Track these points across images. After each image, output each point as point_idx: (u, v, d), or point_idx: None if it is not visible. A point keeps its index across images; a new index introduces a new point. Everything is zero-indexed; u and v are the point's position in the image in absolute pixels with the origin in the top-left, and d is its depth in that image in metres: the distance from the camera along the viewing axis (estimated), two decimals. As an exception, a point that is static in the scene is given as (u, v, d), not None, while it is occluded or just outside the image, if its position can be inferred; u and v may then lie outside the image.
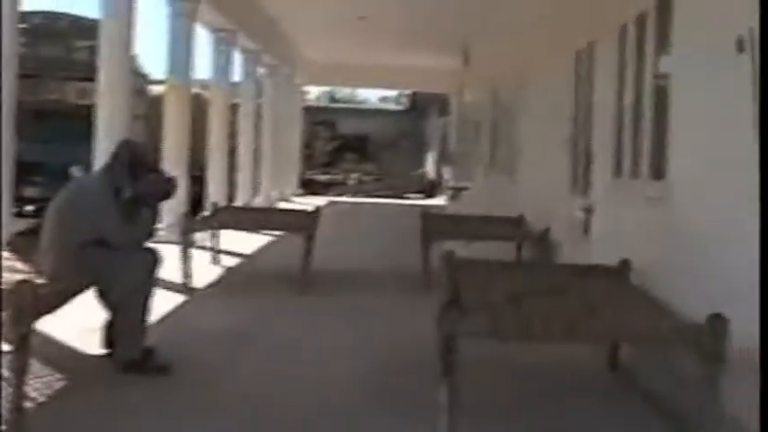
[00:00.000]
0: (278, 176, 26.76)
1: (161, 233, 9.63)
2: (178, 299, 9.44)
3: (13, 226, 10.07)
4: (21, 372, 5.07)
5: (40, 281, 6.10)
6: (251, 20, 19.98)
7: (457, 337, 4.96)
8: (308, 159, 39.70)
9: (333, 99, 55.27)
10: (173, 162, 14.07)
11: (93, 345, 6.90)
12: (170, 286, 9.49)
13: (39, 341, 6.02)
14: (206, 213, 12.94)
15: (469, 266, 7.37)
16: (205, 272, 11.28)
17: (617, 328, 5.43)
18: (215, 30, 18.53)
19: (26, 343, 5.15)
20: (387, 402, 6.15)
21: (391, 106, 50.52)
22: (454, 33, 21.96)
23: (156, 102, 17.82)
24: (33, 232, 7.49)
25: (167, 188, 7.01)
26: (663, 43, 7.95)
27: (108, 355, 6.74)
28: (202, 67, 18.87)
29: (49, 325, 6.42)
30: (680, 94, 7.36)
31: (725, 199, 6.16)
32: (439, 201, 30.97)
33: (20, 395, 5.06)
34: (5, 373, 5.11)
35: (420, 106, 42.77)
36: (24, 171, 13.19)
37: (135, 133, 14.64)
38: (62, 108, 19.16)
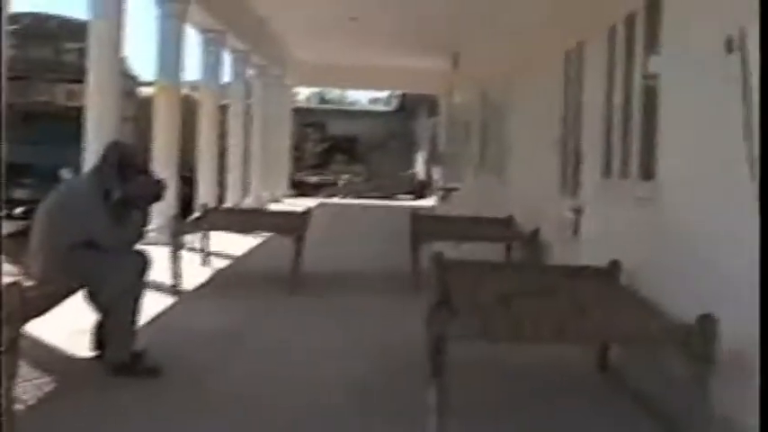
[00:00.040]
0: (268, 178, 26.74)
1: (151, 235, 9.60)
2: (168, 301, 9.43)
3: (2, 228, 10.04)
4: (10, 375, 5.06)
5: (29, 283, 6.09)
6: (240, 20, 19.97)
7: (446, 338, 4.97)
8: (298, 161, 39.68)
9: (323, 100, 55.27)
10: (162, 164, 14.06)
11: (82, 347, 6.89)
12: (160, 288, 9.49)
13: (28, 344, 6.03)
14: (196, 215, 12.92)
15: (459, 267, 7.37)
16: (195, 273, 11.26)
17: (606, 329, 5.44)
18: (204, 30, 18.51)
19: (15, 345, 5.14)
20: (376, 403, 6.15)
21: (381, 107, 50.54)
22: (444, 34, 21.97)
23: (146, 103, 17.78)
24: (23, 234, 7.48)
25: (157, 190, 7.00)
26: (652, 43, 7.96)
27: (98, 357, 6.73)
28: (192, 68, 18.85)
29: (38, 327, 6.41)
30: (669, 95, 7.38)
31: (714, 199, 6.17)
32: (429, 202, 30.99)
33: (9, 398, 5.05)
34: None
35: (409, 107, 42.77)
36: (14, 173, 13.17)
37: (124, 135, 14.62)
38: (51, 110, 19.11)
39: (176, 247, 10.27)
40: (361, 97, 58.16)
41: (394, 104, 45.94)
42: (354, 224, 22.97)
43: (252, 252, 14.46)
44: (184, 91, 17.38)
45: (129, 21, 12.90)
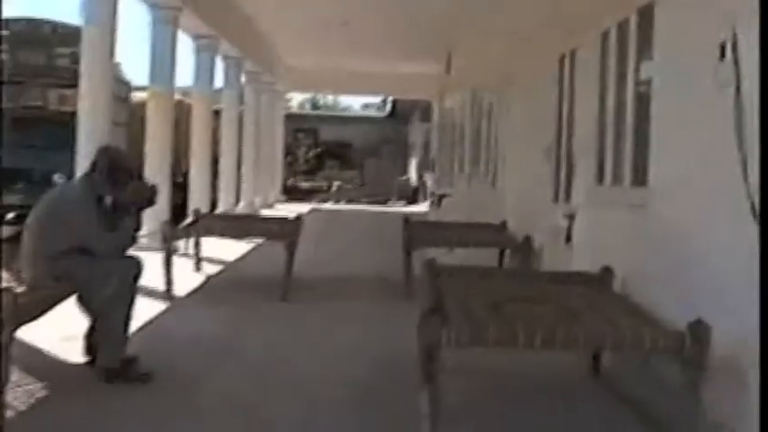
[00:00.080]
0: (260, 183, 26.72)
1: (143, 240, 9.59)
2: (160, 306, 9.41)
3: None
4: (1, 380, 5.05)
5: (20, 289, 6.08)
6: (233, 26, 19.94)
7: (438, 344, 4.97)
8: (291, 166, 39.73)
9: (315, 106, 55.37)
10: (155, 169, 14.04)
11: (74, 353, 6.87)
12: (152, 294, 9.47)
13: (20, 349, 6.00)
14: (188, 221, 12.90)
15: (451, 274, 7.37)
16: (187, 279, 11.24)
17: (599, 336, 5.44)
18: (197, 36, 18.49)
19: (7, 351, 5.13)
20: (369, 410, 6.14)
21: (373, 113, 50.58)
22: (437, 40, 21.94)
23: (139, 109, 17.75)
24: (14, 240, 7.47)
25: (149, 195, 7.00)
26: (644, 49, 7.98)
27: (90, 363, 6.71)
28: (185, 73, 18.80)
29: (30, 333, 6.40)
30: (661, 100, 7.39)
31: (706, 206, 6.18)
32: (421, 207, 30.99)
33: (1, 404, 5.04)
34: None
35: (402, 113, 42.81)
36: (6, 178, 13.14)
37: (117, 140, 14.59)
38: (44, 115, 19.07)
39: (168, 252, 10.24)
40: (353, 103, 58.27)
41: (386, 110, 45.98)
42: (347, 230, 22.96)
43: (244, 258, 14.44)
44: (177, 97, 17.36)
45: (123, 26, 12.89)
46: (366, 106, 56.10)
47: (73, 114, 12.98)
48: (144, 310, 8.01)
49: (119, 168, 6.73)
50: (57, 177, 16.13)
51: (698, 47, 6.35)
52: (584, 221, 9.67)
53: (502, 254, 11.75)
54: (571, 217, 10.04)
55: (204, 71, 19.11)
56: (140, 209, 6.97)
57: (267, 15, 20.75)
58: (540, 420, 6.10)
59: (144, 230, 8.13)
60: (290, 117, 38.30)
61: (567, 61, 11.06)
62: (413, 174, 41.33)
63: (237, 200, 23.18)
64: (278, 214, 21.47)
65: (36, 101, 19.30)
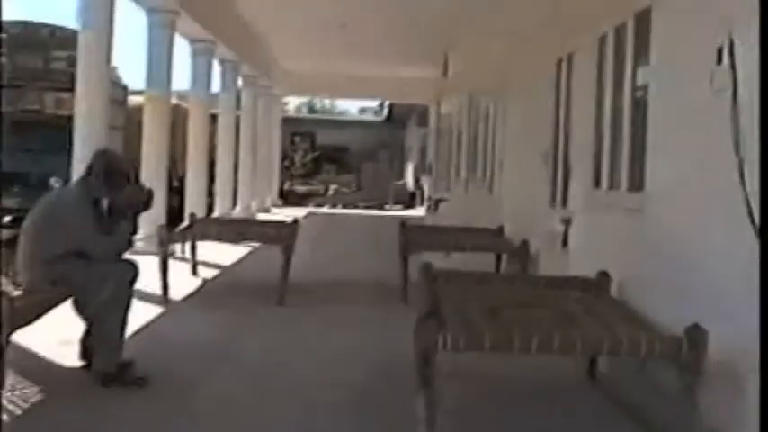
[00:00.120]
0: (257, 188, 26.73)
1: (139, 244, 9.58)
2: (156, 310, 9.40)
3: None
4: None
5: (16, 292, 6.07)
6: (229, 30, 19.95)
7: (435, 348, 4.96)
8: (287, 170, 39.71)
9: (312, 110, 55.36)
10: (151, 173, 14.03)
11: (70, 357, 6.86)
12: (148, 298, 9.46)
13: (15, 353, 6.00)
14: (184, 225, 12.90)
15: (448, 278, 7.37)
16: (183, 283, 11.23)
17: (595, 341, 5.43)
18: (194, 40, 18.49)
19: (2, 355, 5.13)
20: (365, 414, 6.15)
21: (370, 117, 50.60)
22: (434, 43, 21.95)
23: (136, 113, 17.75)
24: (11, 243, 7.46)
25: (145, 199, 7.00)
26: (641, 54, 7.98)
27: (86, 367, 6.70)
28: (182, 77, 18.83)
29: (26, 337, 6.40)
30: (658, 105, 7.39)
31: (703, 210, 6.17)
32: (418, 212, 30.99)
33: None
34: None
35: (399, 117, 42.81)
36: (3, 181, 13.13)
37: (114, 144, 14.57)
38: (40, 118, 19.06)
39: (165, 256, 10.24)
40: (350, 107, 58.30)
41: (383, 114, 45.98)
42: (343, 234, 22.96)
43: (240, 262, 14.44)
44: (174, 101, 17.36)
45: (120, 30, 12.89)
46: (363, 110, 56.15)
47: (69, 118, 12.98)
48: (140, 314, 8.00)
49: (115, 172, 6.73)
50: (53, 181, 16.13)
51: (695, 51, 6.35)
52: (581, 226, 9.67)
53: (499, 258, 11.75)
54: (568, 222, 10.04)
55: (201, 75, 19.12)
56: (136, 213, 6.98)
57: (264, 18, 20.77)
58: (537, 425, 6.10)
59: (140, 234, 8.14)
60: (287, 121, 38.30)
61: (564, 66, 11.06)
62: (410, 178, 41.33)
63: (234, 204, 23.18)
64: (274, 218, 21.45)
65: (33, 104, 19.29)
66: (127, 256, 6.86)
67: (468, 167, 20.32)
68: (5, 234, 12.46)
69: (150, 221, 11.58)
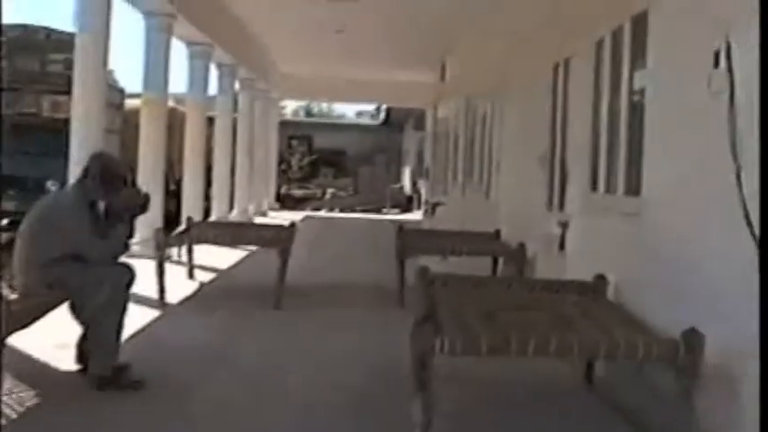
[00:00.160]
0: (254, 191, 26.72)
1: (135, 248, 9.58)
2: (153, 314, 9.40)
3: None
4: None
5: (12, 296, 6.06)
6: (227, 33, 19.96)
7: (431, 352, 4.96)
8: (284, 174, 39.74)
9: (309, 113, 55.38)
10: (148, 176, 14.03)
11: (66, 360, 6.85)
12: (145, 301, 9.45)
13: (12, 357, 5.99)
14: (181, 228, 12.89)
15: (445, 282, 7.37)
16: (180, 287, 11.23)
17: (592, 344, 5.43)
18: (191, 44, 18.49)
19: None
20: (361, 418, 6.14)
21: (367, 121, 50.63)
22: (431, 48, 22.01)
23: (133, 116, 17.74)
24: (7, 246, 7.46)
25: (142, 203, 6.98)
26: (638, 58, 7.97)
27: (82, 370, 6.69)
28: (179, 81, 18.79)
29: (22, 340, 6.39)
30: (655, 108, 7.38)
31: (700, 214, 6.17)
32: (415, 215, 31.00)
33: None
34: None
35: (396, 121, 42.84)
36: (1, 184, 13.11)
37: (110, 147, 14.57)
38: (37, 121, 19.04)
39: (161, 260, 10.22)
40: (347, 110, 58.32)
41: (381, 118, 46.01)
42: (340, 238, 22.96)
43: (237, 265, 14.44)
44: (170, 104, 17.35)
45: (117, 33, 12.89)
46: (360, 114, 56.17)
47: (66, 121, 12.97)
48: (136, 318, 8.00)
49: (111, 175, 6.72)
50: (50, 184, 16.12)
51: (692, 55, 6.35)
52: (578, 229, 9.66)
53: (495, 262, 11.75)
54: (565, 225, 10.03)
55: (198, 78, 19.12)
56: (133, 216, 6.96)
57: (261, 22, 20.81)
58: (534, 429, 6.10)
59: (137, 238, 8.13)
60: (284, 124, 38.34)
61: (561, 69, 11.06)
62: (407, 182, 41.35)
63: (231, 207, 23.17)
64: (272, 222, 21.44)
65: (30, 108, 19.27)
66: (123, 259, 6.85)
67: (465, 171, 20.31)
68: (2, 237, 12.45)
69: (147, 225, 11.57)
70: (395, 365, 6.57)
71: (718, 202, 5.60)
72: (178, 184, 19.62)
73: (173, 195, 18.73)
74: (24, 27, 19.69)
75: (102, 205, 6.64)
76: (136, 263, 6.93)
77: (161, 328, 8.97)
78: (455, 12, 16.91)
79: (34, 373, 6.68)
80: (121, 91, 21.43)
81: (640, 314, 6.19)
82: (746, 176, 5.12)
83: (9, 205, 16.03)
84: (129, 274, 6.64)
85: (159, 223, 12.99)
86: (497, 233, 12.13)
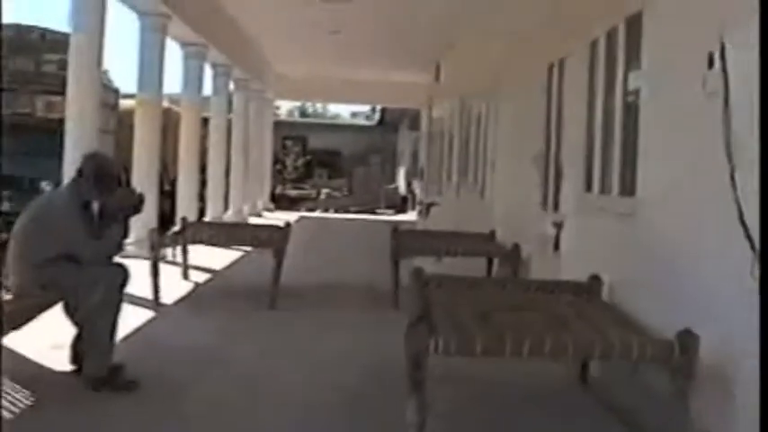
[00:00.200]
0: (248, 191, 26.69)
1: (130, 248, 9.57)
2: (147, 314, 9.39)
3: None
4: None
5: (6, 296, 6.06)
6: (221, 34, 19.94)
7: (425, 353, 4.96)
8: (279, 174, 39.72)
9: (304, 114, 55.37)
10: (143, 177, 14.02)
11: (61, 361, 6.84)
12: (139, 302, 9.44)
13: (6, 358, 5.98)
14: (176, 228, 12.88)
15: (439, 283, 7.36)
16: (175, 287, 11.22)
17: (587, 345, 5.43)
18: (185, 44, 18.47)
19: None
20: (355, 418, 6.14)
21: (362, 121, 50.64)
22: (426, 48, 21.98)
23: (127, 116, 17.73)
24: (1, 247, 7.44)
25: (136, 203, 6.98)
26: (633, 58, 7.98)
27: (76, 371, 6.68)
28: (173, 81, 18.80)
29: (16, 341, 6.38)
30: (649, 109, 7.39)
31: (695, 215, 6.17)
32: (410, 216, 30.99)
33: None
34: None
35: (391, 121, 42.84)
36: None
37: (105, 147, 14.56)
38: (31, 122, 19.01)
39: (156, 260, 10.21)
40: (342, 111, 58.35)
41: (375, 118, 46.01)
42: (335, 238, 22.96)
43: (232, 266, 14.43)
44: (165, 104, 17.34)
45: (111, 34, 12.87)
46: (355, 114, 56.17)
47: (60, 121, 12.95)
48: (131, 318, 8.00)
49: (105, 175, 6.71)
50: (44, 185, 16.10)
51: (686, 55, 6.35)
52: (573, 230, 9.67)
53: (490, 263, 11.75)
54: (559, 225, 10.04)
55: (192, 78, 19.09)
56: (127, 216, 6.95)
57: (257, 24, 20.78)
58: (529, 429, 6.10)
59: (131, 238, 8.13)
60: (279, 125, 38.31)
61: (555, 70, 11.07)
62: (401, 182, 41.32)
63: (225, 208, 23.15)
64: (266, 222, 21.44)
65: (24, 108, 19.24)
66: (118, 259, 6.84)
67: (460, 171, 20.32)
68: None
69: (141, 225, 11.59)
70: (389, 366, 6.57)
71: (713, 202, 5.61)
72: (173, 184, 19.60)
73: (167, 196, 18.72)
74: (18, 27, 19.66)
75: (96, 205, 6.63)
76: (130, 263, 6.92)
77: (156, 328, 8.96)
78: (450, 12, 16.89)
79: (29, 373, 6.66)
80: (116, 91, 21.42)
81: (635, 314, 6.19)
82: (746, 176, 5.11)
83: (3, 206, 16.03)
84: (124, 275, 6.63)
85: (154, 223, 12.99)
86: (492, 234, 12.12)
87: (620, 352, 5.25)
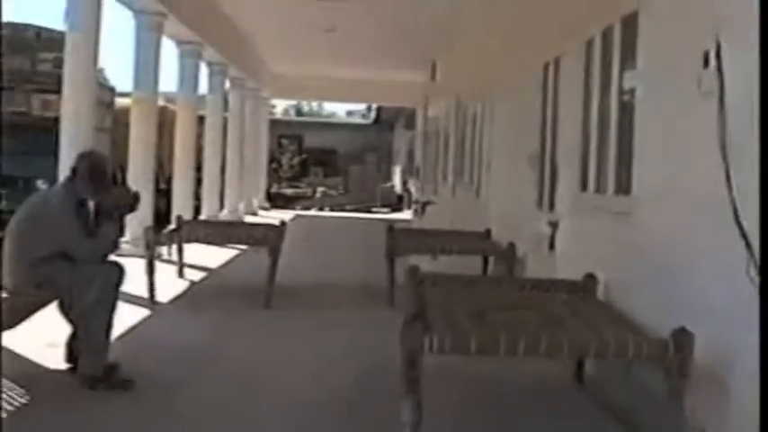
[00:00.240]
0: (244, 190, 26.69)
1: (125, 247, 9.56)
2: (143, 313, 9.39)
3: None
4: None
5: (1, 295, 6.05)
6: (217, 32, 19.94)
7: (420, 352, 4.95)
8: (275, 173, 39.70)
9: (299, 112, 55.36)
10: (138, 175, 14.01)
11: (56, 359, 6.84)
12: (134, 300, 9.44)
13: (1, 356, 5.97)
14: (171, 227, 12.87)
15: (434, 281, 7.36)
16: (170, 286, 11.21)
17: (582, 343, 5.43)
18: (181, 42, 18.47)
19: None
20: (350, 417, 6.14)
21: (358, 120, 50.65)
22: (422, 47, 21.98)
23: (123, 114, 17.72)
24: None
25: (131, 201, 6.97)
26: (628, 58, 7.98)
27: (72, 369, 6.68)
28: (169, 79, 18.78)
29: (11, 340, 6.37)
30: (645, 109, 7.38)
31: (690, 214, 6.17)
32: (405, 215, 30.99)
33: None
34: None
35: (387, 120, 42.85)
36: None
37: (100, 146, 14.55)
38: (27, 120, 18.99)
39: (151, 259, 10.21)
40: (338, 109, 58.34)
41: (371, 117, 46.01)
42: (330, 237, 22.94)
43: (227, 264, 14.43)
44: (161, 103, 17.32)
45: (107, 32, 12.87)
46: (350, 113, 56.18)
47: (56, 120, 12.95)
48: (126, 317, 8.00)
49: (100, 173, 6.70)
50: (40, 183, 16.09)
51: (682, 55, 6.35)
52: (568, 229, 9.67)
53: (486, 261, 11.75)
54: (555, 224, 10.03)
55: (188, 77, 19.10)
56: (122, 215, 6.95)
57: (252, 22, 20.77)
58: (524, 428, 6.11)
59: (127, 237, 8.12)
60: (275, 123, 38.33)
61: (551, 69, 11.06)
62: (397, 181, 41.34)
63: (221, 206, 23.14)
64: (262, 221, 21.43)
65: (20, 106, 19.22)
66: (113, 257, 6.84)
67: (456, 170, 20.30)
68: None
69: (137, 223, 11.58)
70: (384, 364, 6.57)
71: (708, 201, 5.60)
72: (168, 182, 19.60)
73: (163, 194, 18.70)
74: (14, 26, 19.64)
75: (91, 204, 6.63)
76: (126, 261, 6.91)
77: (151, 327, 8.97)
78: (445, 11, 16.90)
79: (24, 372, 6.66)
80: (112, 89, 21.40)
81: (630, 313, 6.19)
82: (742, 176, 5.11)
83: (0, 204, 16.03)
84: (119, 273, 6.62)
85: (149, 222, 12.99)
86: (488, 232, 12.13)
87: (615, 351, 5.25)
